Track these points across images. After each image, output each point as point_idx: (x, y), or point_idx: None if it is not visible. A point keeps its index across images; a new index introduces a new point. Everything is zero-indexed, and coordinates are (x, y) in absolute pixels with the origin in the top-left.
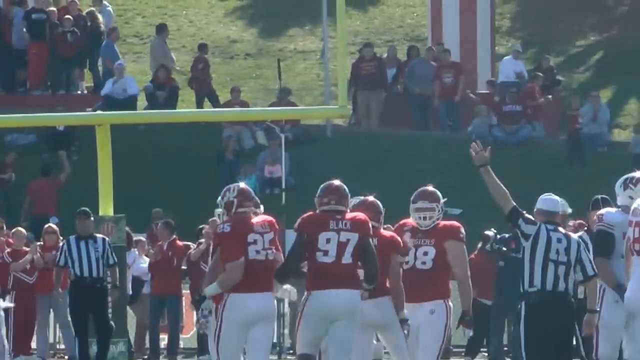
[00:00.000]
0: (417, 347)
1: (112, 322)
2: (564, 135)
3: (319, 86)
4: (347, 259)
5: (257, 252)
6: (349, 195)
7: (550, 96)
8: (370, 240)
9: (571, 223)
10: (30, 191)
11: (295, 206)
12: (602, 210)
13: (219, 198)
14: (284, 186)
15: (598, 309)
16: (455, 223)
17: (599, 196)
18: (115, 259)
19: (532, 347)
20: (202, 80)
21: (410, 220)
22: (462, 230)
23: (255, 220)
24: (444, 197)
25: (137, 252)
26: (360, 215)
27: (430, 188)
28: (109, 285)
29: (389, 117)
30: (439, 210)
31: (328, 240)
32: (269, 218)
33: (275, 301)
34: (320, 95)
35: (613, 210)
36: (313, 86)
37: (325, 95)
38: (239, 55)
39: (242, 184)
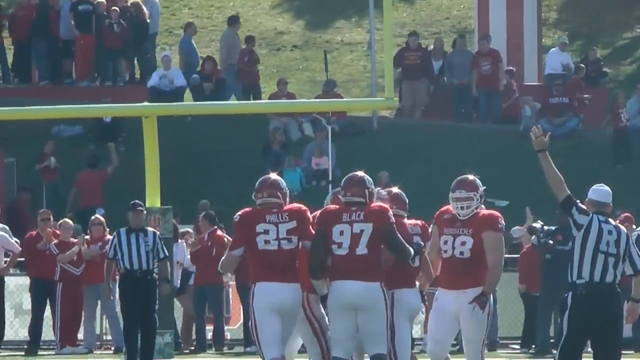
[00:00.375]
0: (452, 333)
1: (156, 316)
2: (610, 128)
3: (365, 78)
4: (361, 250)
5: (267, 242)
6: (372, 186)
7: (592, 90)
8: (391, 228)
9: (621, 216)
10: (77, 183)
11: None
12: None
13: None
14: (330, 178)
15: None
16: (494, 213)
17: None
18: (166, 252)
19: (574, 338)
20: (249, 73)
21: (451, 208)
22: (501, 220)
23: (275, 209)
24: (489, 189)
25: (184, 244)
26: (378, 205)
27: (469, 177)
28: (159, 279)
29: (434, 109)
30: (477, 200)
31: (342, 233)
32: (297, 207)
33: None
34: (366, 87)
35: None
36: (359, 78)
37: (371, 87)
38: (285, 47)
39: (272, 175)
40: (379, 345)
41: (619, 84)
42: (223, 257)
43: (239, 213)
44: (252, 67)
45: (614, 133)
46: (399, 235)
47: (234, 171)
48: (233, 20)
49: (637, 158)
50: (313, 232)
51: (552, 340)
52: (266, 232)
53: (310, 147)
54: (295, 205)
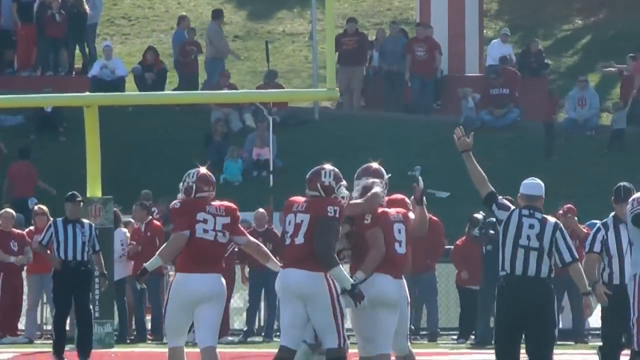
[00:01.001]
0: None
1: (91, 307)
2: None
3: (307, 69)
4: (299, 239)
5: (205, 231)
6: (321, 178)
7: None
8: (324, 221)
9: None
10: (9, 174)
11: (282, 188)
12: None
13: (180, 184)
14: (271, 168)
15: (589, 291)
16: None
17: (622, 184)
18: (99, 246)
19: (499, 330)
20: (189, 64)
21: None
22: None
23: (213, 203)
24: (430, 181)
25: (127, 234)
26: (318, 199)
27: (374, 165)
28: (96, 272)
29: (376, 99)
30: (383, 187)
31: (289, 222)
32: (230, 204)
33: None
34: (308, 78)
35: None
36: (301, 68)
37: (313, 78)
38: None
39: (202, 170)
40: (328, 337)
41: (560, 75)
42: (168, 242)
43: (178, 200)
44: (191, 57)
45: (544, 126)
46: (332, 231)
47: (175, 161)
48: (217, 14)
49: (578, 148)
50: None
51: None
52: (205, 221)
53: (252, 137)
54: (227, 202)
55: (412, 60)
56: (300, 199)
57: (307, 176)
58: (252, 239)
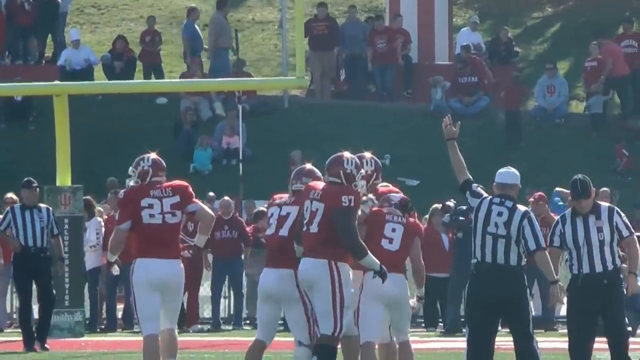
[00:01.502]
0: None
1: (53, 292)
2: (523, 107)
3: (276, 57)
4: (314, 228)
5: (152, 215)
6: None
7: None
8: (341, 210)
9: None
10: None
11: (252, 177)
12: None
13: (131, 167)
14: (241, 157)
15: (556, 280)
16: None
17: (578, 177)
18: (58, 229)
19: (470, 317)
20: (151, 53)
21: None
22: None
23: (158, 185)
24: (400, 169)
25: (101, 222)
26: (334, 188)
27: (308, 166)
28: (59, 258)
29: (340, 85)
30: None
31: (306, 209)
32: (179, 183)
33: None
34: (277, 66)
35: None
36: (271, 57)
37: (282, 66)
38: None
39: (153, 155)
40: (323, 322)
41: (530, 63)
42: (112, 237)
43: (123, 190)
44: (154, 47)
45: (507, 115)
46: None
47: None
48: (221, 4)
49: (548, 136)
50: (203, 206)
51: (462, 320)
52: (151, 206)
53: (221, 126)
54: (176, 182)
55: (374, 52)
56: (319, 185)
57: (327, 162)
58: (206, 208)
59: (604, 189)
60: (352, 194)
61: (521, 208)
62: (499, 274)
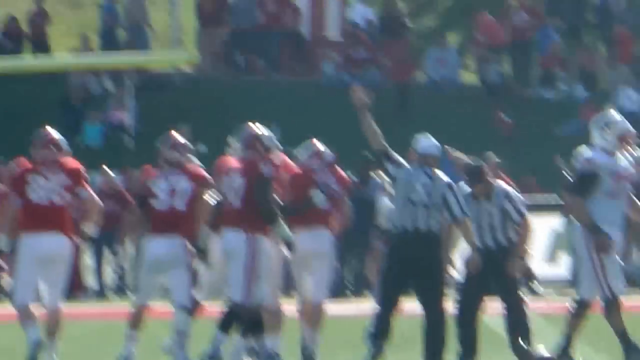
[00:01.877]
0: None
1: None
2: (413, 80)
3: (166, 34)
4: (236, 202)
5: (34, 191)
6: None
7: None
8: (261, 179)
9: None
10: None
11: (142, 153)
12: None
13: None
14: (133, 134)
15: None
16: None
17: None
18: None
19: (386, 283)
20: (38, 32)
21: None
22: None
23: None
24: (291, 143)
25: None
26: (251, 162)
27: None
28: None
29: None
30: None
31: (227, 185)
32: (72, 165)
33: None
34: (167, 42)
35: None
36: (161, 34)
37: (172, 43)
38: (86, 4)
39: (51, 131)
40: (234, 290)
41: (421, 36)
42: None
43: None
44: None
45: (396, 87)
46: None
47: (32, 127)
48: None
49: (441, 108)
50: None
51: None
52: (38, 183)
53: (111, 102)
54: (70, 163)
55: (263, 21)
56: (234, 160)
57: (242, 137)
58: (95, 197)
59: (489, 152)
60: (272, 165)
61: (444, 178)
62: (421, 242)
